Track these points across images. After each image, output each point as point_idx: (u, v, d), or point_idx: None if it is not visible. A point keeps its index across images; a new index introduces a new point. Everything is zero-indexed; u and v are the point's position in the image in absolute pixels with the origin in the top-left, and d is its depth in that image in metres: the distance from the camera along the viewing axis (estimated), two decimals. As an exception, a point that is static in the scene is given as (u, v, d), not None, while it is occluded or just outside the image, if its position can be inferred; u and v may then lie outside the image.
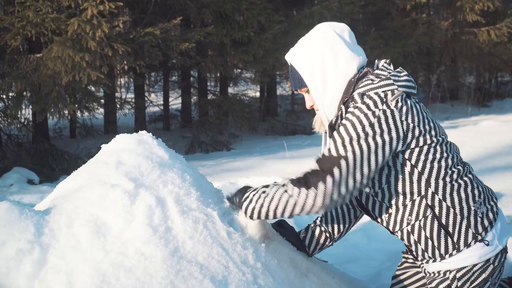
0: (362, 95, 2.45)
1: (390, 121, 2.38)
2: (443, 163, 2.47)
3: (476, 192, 2.51)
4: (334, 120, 2.53)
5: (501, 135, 8.97)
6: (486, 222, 2.49)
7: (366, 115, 2.38)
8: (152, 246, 2.28)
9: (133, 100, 11.65)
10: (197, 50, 11.33)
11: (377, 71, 2.53)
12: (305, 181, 2.38)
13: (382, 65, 2.57)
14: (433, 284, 2.57)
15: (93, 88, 8.69)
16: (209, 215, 2.50)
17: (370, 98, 2.42)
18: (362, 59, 2.55)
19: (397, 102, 2.41)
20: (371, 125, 2.36)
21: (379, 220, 2.63)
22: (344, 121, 2.42)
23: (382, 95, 2.42)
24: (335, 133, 2.43)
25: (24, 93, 8.03)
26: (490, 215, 2.52)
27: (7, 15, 7.42)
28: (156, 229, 2.34)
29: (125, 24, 9.87)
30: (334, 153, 2.37)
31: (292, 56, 2.62)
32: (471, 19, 14.41)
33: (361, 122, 2.37)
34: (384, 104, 2.39)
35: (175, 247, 2.32)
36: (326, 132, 2.70)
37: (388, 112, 2.38)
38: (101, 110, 11.07)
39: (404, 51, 13.08)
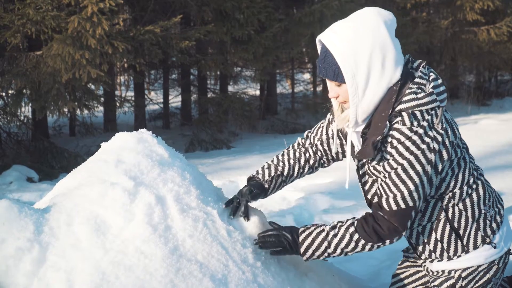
0: (410, 114, 2.31)
1: (443, 148, 2.36)
2: (466, 173, 2.49)
3: (487, 195, 2.54)
4: (379, 137, 2.33)
5: (501, 134, 8.96)
6: (494, 225, 2.52)
7: (423, 151, 2.31)
8: (151, 244, 2.28)
9: (133, 98, 11.63)
10: (197, 48, 11.32)
11: (417, 79, 2.38)
12: (379, 237, 2.38)
13: (421, 71, 2.42)
14: (437, 283, 2.57)
15: (93, 86, 8.67)
16: (209, 213, 2.49)
17: (419, 123, 2.30)
18: (403, 61, 2.41)
19: (442, 123, 2.35)
20: (429, 162, 2.33)
21: None
22: (400, 159, 2.32)
23: (429, 117, 2.32)
24: (395, 177, 2.34)
25: (24, 90, 8.02)
26: (498, 218, 2.55)
27: (7, 12, 7.40)
28: (156, 227, 2.34)
29: (125, 22, 9.84)
30: (403, 206, 2.34)
31: (334, 46, 2.32)
32: (471, 18, 14.38)
33: (420, 162, 2.31)
34: (433, 130, 2.32)
35: (175, 246, 2.32)
36: (339, 131, 2.67)
37: (440, 139, 2.33)
38: (101, 108, 11.05)
39: (404, 49, 13.02)
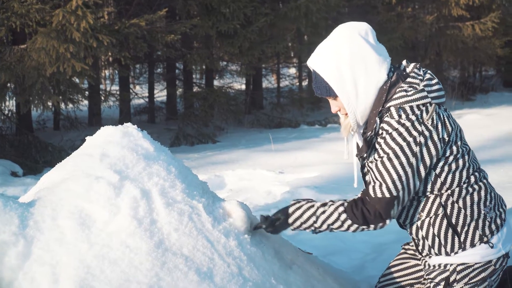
0: (398, 108, 2.42)
1: (430, 143, 2.43)
2: (464, 173, 2.53)
3: (488, 197, 2.58)
4: (370, 133, 2.50)
5: (485, 129, 9.04)
6: (493, 226, 2.56)
7: (408, 144, 2.40)
8: (137, 238, 2.28)
9: (118, 92, 11.58)
10: (182, 42, 11.30)
11: (409, 79, 2.50)
12: (365, 220, 2.51)
13: (413, 71, 2.54)
14: (432, 276, 2.62)
15: (77, 80, 8.64)
16: (194, 207, 2.50)
17: (407, 117, 2.41)
18: (389, 61, 2.52)
19: (432, 120, 2.43)
20: (415, 155, 2.41)
21: None
22: (386, 149, 2.43)
23: (418, 112, 2.41)
24: (380, 166, 2.45)
25: (8, 84, 7.97)
26: (498, 220, 2.58)
27: (-9, 5, 7.36)
28: (141, 221, 2.34)
29: (110, 15, 9.81)
30: (387, 194, 2.45)
31: (319, 66, 2.53)
32: (456, 14, 14.47)
33: (404, 153, 2.41)
34: (422, 125, 2.41)
35: (160, 239, 2.32)
36: (349, 135, 2.74)
37: (427, 134, 2.41)
38: (86, 102, 11.03)
39: (390, 45, 13.13)
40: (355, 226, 2.52)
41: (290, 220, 2.61)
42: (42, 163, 8.01)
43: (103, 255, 2.22)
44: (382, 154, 2.45)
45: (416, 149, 2.40)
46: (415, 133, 2.40)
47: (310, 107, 14.09)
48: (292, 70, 19.26)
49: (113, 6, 9.94)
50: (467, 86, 16.38)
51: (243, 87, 15.23)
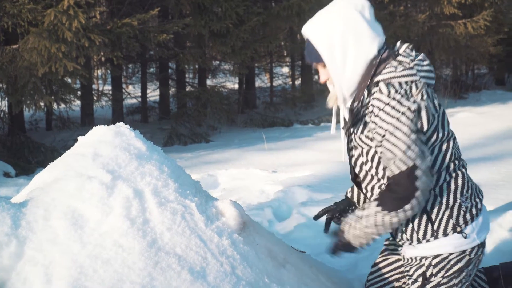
0: (387, 84, 2.42)
1: (423, 112, 2.40)
2: (447, 159, 2.53)
3: (465, 186, 2.57)
4: (356, 104, 2.52)
5: (477, 127, 9.07)
6: (468, 216, 2.55)
7: (403, 113, 2.36)
8: (130, 238, 2.28)
9: (110, 92, 11.57)
10: (175, 42, 11.30)
11: (400, 57, 2.50)
12: (398, 206, 2.43)
13: (405, 51, 2.54)
14: (410, 272, 2.63)
15: (69, 80, 8.63)
16: (187, 206, 2.50)
17: (396, 91, 2.39)
18: (382, 39, 2.53)
19: (422, 95, 2.41)
20: (413, 121, 2.37)
21: (368, 195, 2.66)
22: (384, 125, 2.38)
23: (407, 87, 2.41)
24: (385, 144, 2.40)
25: (0, 84, 7.95)
26: (473, 210, 2.57)
27: (-17, 6, 7.33)
28: (134, 221, 2.34)
29: (102, 14, 9.80)
30: (403, 167, 2.39)
31: (310, 31, 2.56)
32: (448, 12, 14.50)
33: (402, 123, 2.36)
34: (411, 98, 2.39)
35: (153, 239, 2.32)
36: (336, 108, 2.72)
37: (420, 103, 2.39)
38: (78, 102, 10.99)
39: (382, 43, 13.16)
40: (401, 213, 2.45)
41: (355, 243, 2.60)
42: (34, 163, 8.00)
43: (96, 255, 2.22)
44: (382, 132, 2.41)
45: (412, 115, 2.37)
46: (407, 103, 2.38)
47: (303, 106, 14.10)
48: (285, 69, 19.26)
49: (105, 6, 9.93)
50: (460, 85, 16.44)
51: (236, 86, 15.24)
